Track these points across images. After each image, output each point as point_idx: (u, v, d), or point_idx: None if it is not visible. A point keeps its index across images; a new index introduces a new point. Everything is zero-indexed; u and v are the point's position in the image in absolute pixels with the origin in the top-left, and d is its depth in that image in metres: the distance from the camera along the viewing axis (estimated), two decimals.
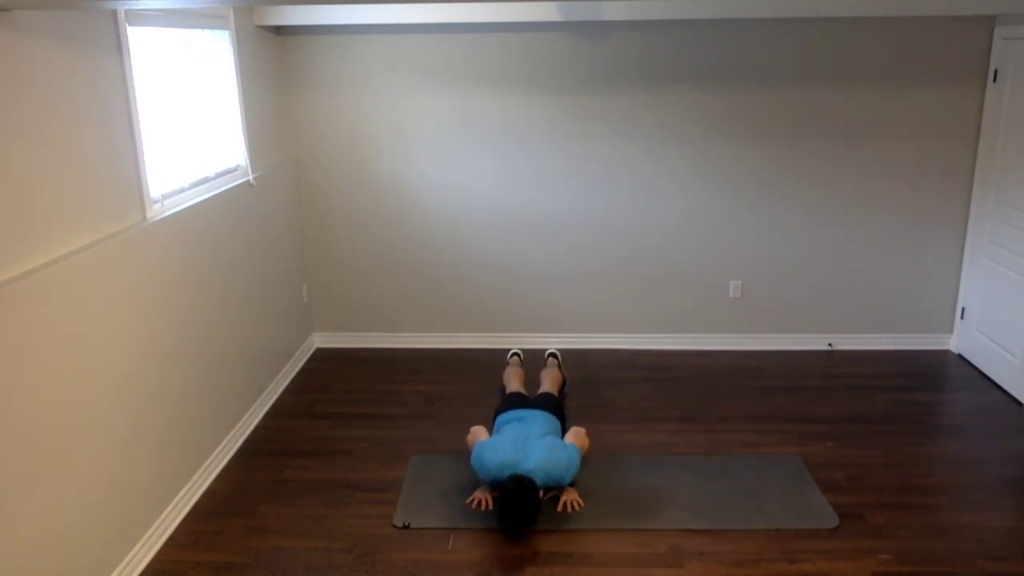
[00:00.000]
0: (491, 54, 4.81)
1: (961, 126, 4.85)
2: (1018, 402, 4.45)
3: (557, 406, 3.99)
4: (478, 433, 3.72)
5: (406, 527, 3.40)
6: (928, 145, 4.89)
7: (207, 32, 4.01)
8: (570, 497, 3.50)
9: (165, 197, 3.53)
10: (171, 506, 3.43)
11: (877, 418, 4.31)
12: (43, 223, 2.68)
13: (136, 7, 2.80)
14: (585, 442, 3.67)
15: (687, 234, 5.09)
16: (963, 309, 5.08)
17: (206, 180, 3.95)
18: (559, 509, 3.48)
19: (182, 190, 3.72)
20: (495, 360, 5.13)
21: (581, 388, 4.67)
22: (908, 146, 4.89)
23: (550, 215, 5.08)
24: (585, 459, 3.86)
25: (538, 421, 3.76)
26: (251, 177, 4.36)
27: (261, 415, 4.43)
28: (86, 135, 2.92)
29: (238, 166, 4.33)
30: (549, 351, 4.81)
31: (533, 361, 5.06)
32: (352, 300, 5.32)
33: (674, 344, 5.29)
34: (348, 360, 5.17)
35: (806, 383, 4.75)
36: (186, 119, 3.81)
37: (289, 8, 4.51)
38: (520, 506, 3.26)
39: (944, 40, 4.71)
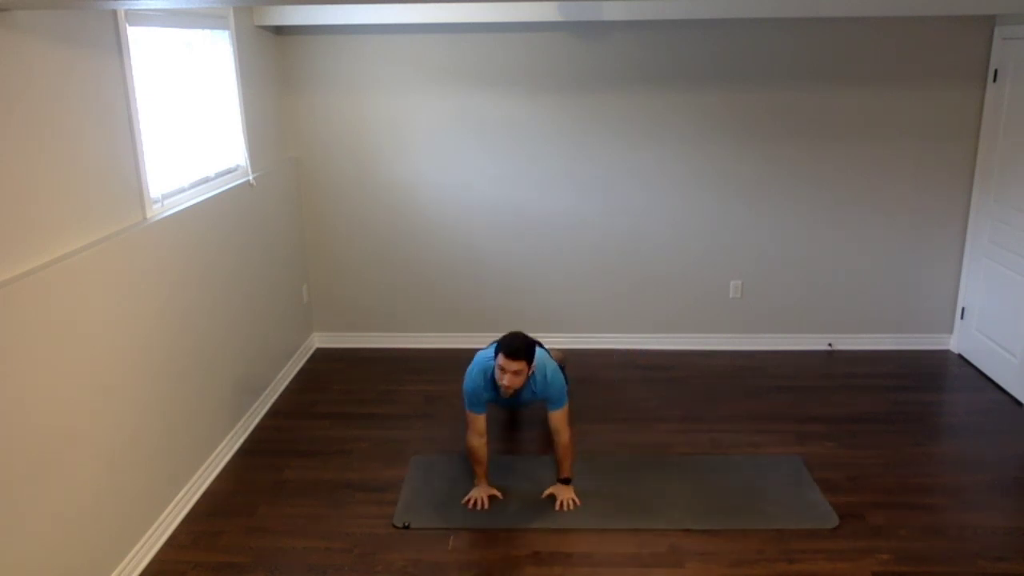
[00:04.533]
0: (491, 54, 4.81)
1: (961, 126, 4.85)
2: (1018, 402, 4.45)
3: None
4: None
5: (406, 527, 3.40)
6: (928, 145, 4.89)
7: (207, 32, 4.01)
8: (567, 496, 3.53)
9: (165, 197, 3.53)
10: (171, 506, 3.43)
11: (877, 418, 4.31)
12: (43, 223, 2.68)
13: (136, 7, 2.80)
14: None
15: (687, 234, 5.09)
16: (963, 309, 5.08)
17: (206, 180, 3.95)
18: (556, 507, 3.50)
19: (182, 190, 3.72)
20: None
21: (581, 388, 4.67)
22: (908, 146, 4.89)
23: (550, 215, 5.08)
24: (586, 458, 3.87)
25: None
26: (251, 177, 4.36)
27: (261, 415, 4.43)
28: (86, 135, 2.92)
29: (238, 166, 4.33)
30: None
31: None
32: (352, 300, 5.32)
33: (674, 344, 5.29)
34: (348, 360, 5.17)
35: (806, 383, 4.75)
36: (186, 119, 3.81)
37: (289, 8, 4.51)
38: (516, 344, 3.34)
39: (944, 40, 4.71)
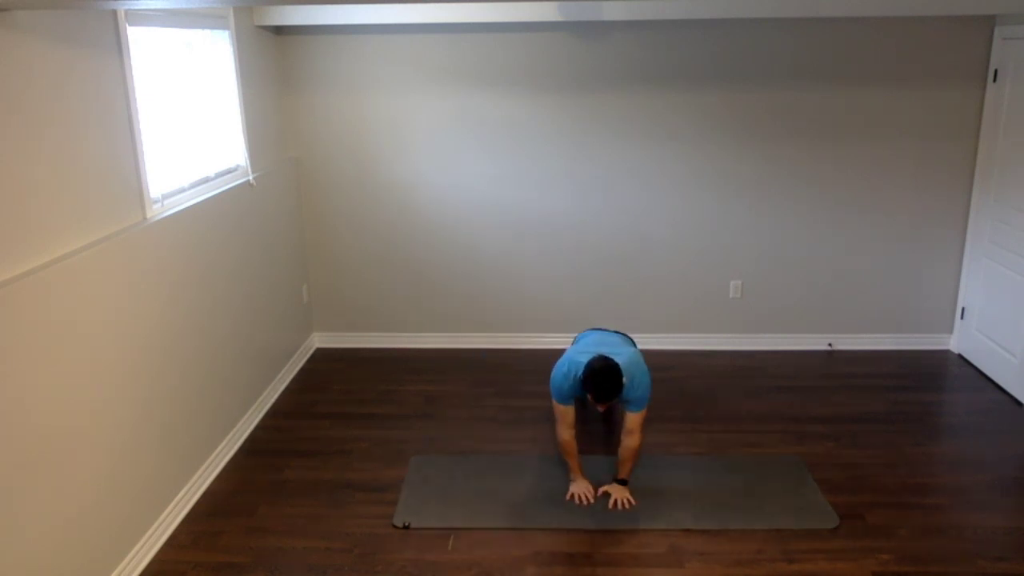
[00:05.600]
0: (491, 54, 4.81)
1: (961, 126, 4.85)
2: (1018, 402, 4.45)
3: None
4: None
5: (406, 527, 3.40)
6: (928, 145, 4.89)
7: (207, 32, 4.01)
8: (622, 495, 3.52)
9: (165, 197, 3.53)
10: (171, 506, 3.43)
11: (877, 418, 4.31)
12: (43, 223, 2.68)
13: (136, 7, 2.80)
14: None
15: (687, 234, 5.09)
16: (963, 309, 5.08)
17: (206, 180, 3.95)
18: (610, 506, 3.49)
19: (182, 190, 3.72)
20: (495, 360, 5.13)
21: None
22: (908, 146, 4.89)
23: (550, 215, 5.08)
24: (587, 458, 3.87)
25: (619, 337, 3.81)
26: (251, 177, 4.36)
27: (261, 415, 4.43)
28: (86, 135, 2.92)
29: (238, 166, 4.33)
30: None
31: (535, 361, 5.06)
32: (352, 300, 5.32)
33: (674, 344, 5.29)
34: (348, 360, 5.17)
35: (806, 383, 4.75)
36: (186, 119, 3.81)
37: (289, 8, 4.51)
38: (603, 384, 3.27)
39: (944, 40, 4.71)
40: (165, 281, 3.41)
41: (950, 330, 5.21)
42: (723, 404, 4.49)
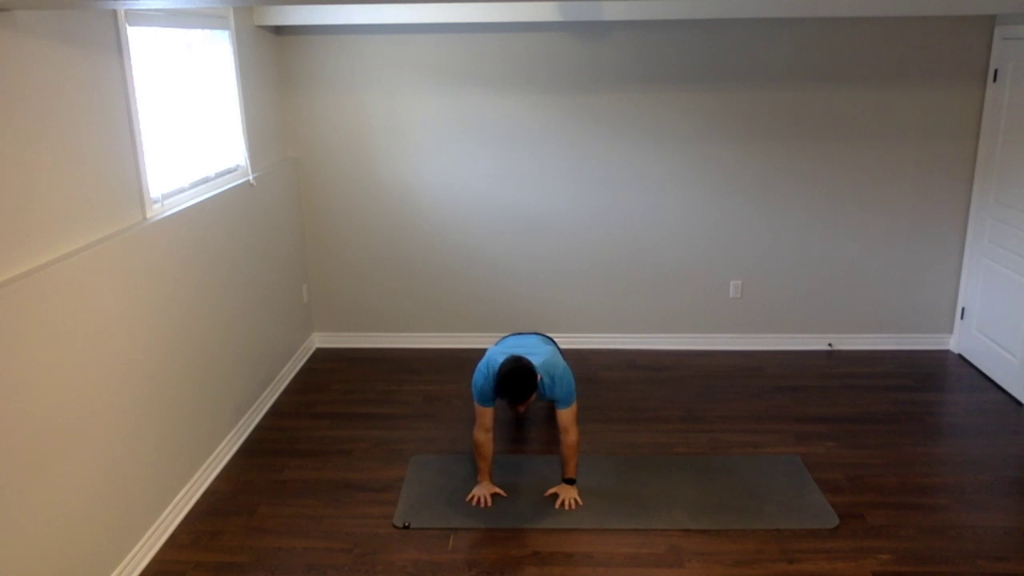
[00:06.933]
0: (491, 54, 4.81)
1: (961, 126, 4.85)
2: (1018, 402, 4.45)
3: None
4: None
5: (406, 527, 3.40)
6: (928, 145, 4.89)
7: (207, 32, 4.02)
8: (569, 495, 3.53)
9: (165, 197, 3.53)
10: (171, 506, 3.43)
11: (877, 418, 4.31)
12: (43, 223, 2.68)
13: (136, 7, 2.80)
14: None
15: (687, 234, 5.09)
16: (963, 309, 5.08)
17: (206, 180, 3.95)
18: (557, 506, 3.50)
19: (182, 190, 3.72)
20: None
21: (582, 388, 4.67)
22: (908, 146, 4.89)
23: (550, 215, 5.08)
24: (586, 458, 3.87)
25: (537, 338, 3.82)
26: (251, 177, 4.36)
27: (261, 415, 4.43)
28: (86, 135, 2.92)
29: (238, 166, 4.33)
30: None
31: None
32: (352, 300, 5.32)
33: (674, 344, 5.29)
34: (348, 360, 5.17)
35: (806, 383, 4.75)
36: (186, 119, 3.81)
37: (289, 8, 4.51)
38: (514, 386, 3.28)
39: (944, 40, 4.71)
40: (165, 281, 3.41)
41: (950, 330, 5.21)
42: (723, 404, 4.49)
